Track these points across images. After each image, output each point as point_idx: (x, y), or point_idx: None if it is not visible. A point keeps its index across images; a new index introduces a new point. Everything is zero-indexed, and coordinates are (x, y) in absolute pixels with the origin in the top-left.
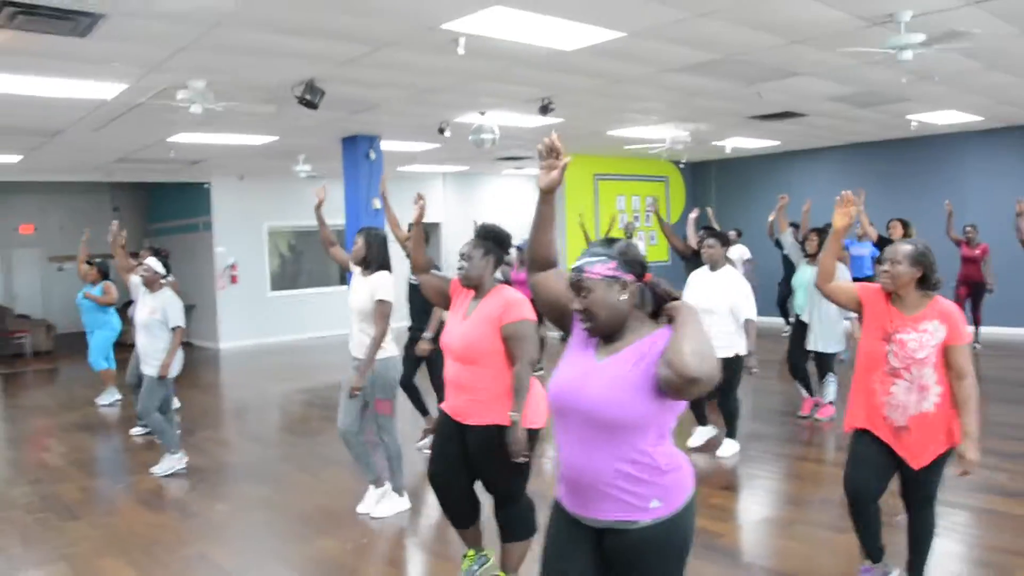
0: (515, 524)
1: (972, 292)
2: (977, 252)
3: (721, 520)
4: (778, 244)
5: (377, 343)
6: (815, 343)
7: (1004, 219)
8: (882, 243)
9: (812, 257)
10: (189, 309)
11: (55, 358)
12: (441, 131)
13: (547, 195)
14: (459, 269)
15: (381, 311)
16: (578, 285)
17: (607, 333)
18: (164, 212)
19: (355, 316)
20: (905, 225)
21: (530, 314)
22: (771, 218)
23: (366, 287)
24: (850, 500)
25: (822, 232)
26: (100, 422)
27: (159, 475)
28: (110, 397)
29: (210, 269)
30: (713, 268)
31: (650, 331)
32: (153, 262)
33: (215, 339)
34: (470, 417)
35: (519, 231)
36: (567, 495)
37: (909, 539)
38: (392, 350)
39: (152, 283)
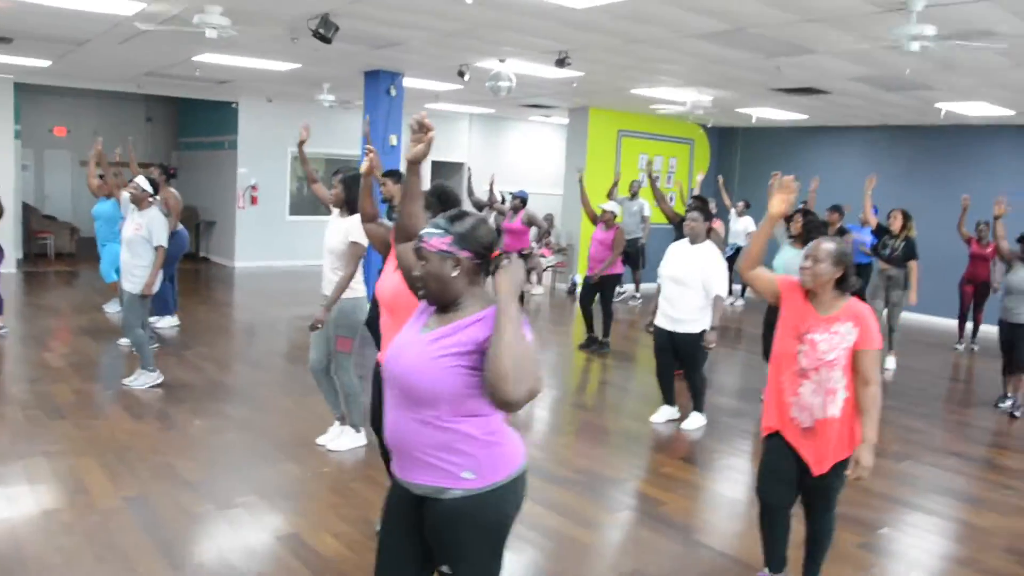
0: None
1: (977, 291)
2: (987, 251)
3: (668, 489)
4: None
5: (344, 283)
6: None
7: None
8: (880, 232)
9: (795, 239)
10: (210, 225)
11: (76, 261)
12: (461, 74)
13: (413, 166)
14: (396, 215)
15: (353, 252)
16: (419, 252)
17: (438, 303)
18: (193, 128)
19: (328, 255)
20: (906, 217)
21: None
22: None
23: (341, 228)
24: (761, 508)
25: (808, 214)
26: (106, 328)
27: (133, 388)
28: (117, 307)
29: (232, 188)
30: (693, 241)
31: (478, 309)
32: (141, 180)
33: (231, 257)
34: None
35: (542, 177)
36: (393, 458)
37: (806, 545)
38: (360, 290)
39: (140, 201)
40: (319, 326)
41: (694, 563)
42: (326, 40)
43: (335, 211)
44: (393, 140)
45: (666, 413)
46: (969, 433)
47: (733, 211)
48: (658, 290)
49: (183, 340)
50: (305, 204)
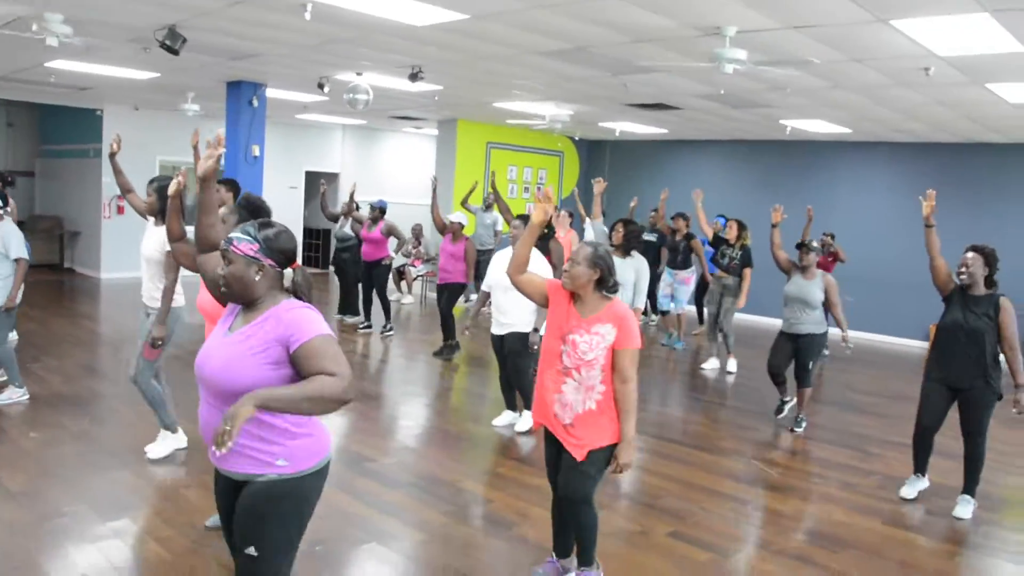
0: None
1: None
2: (829, 259)
3: (498, 488)
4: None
5: (169, 292)
6: None
7: (868, 230)
8: (717, 241)
9: (617, 248)
10: (74, 236)
11: None
12: (321, 86)
13: (204, 182)
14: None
15: (170, 261)
16: (224, 254)
17: (239, 303)
18: (56, 135)
19: (145, 265)
20: (741, 227)
21: None
22: (632, 204)
23: (157, 237)
24: (553, 498)
25: (629, 223)
26: None
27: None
28: None
29: (97, 197)
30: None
31: (272, 304)
32: None
33: (97, 268)
34: None
35: (414, 188)
36: (209, 449)
37: (575, 536)
38: (179, 300)
39: None
40: (160, 344)
41: (510, 555)
42: (173, 51)
43: (150, 219)
44: (256, 150)
45: (508, 417)
46: (821, 435)
47: (588, 220)
48: (481, 298)
49: (32, 353)
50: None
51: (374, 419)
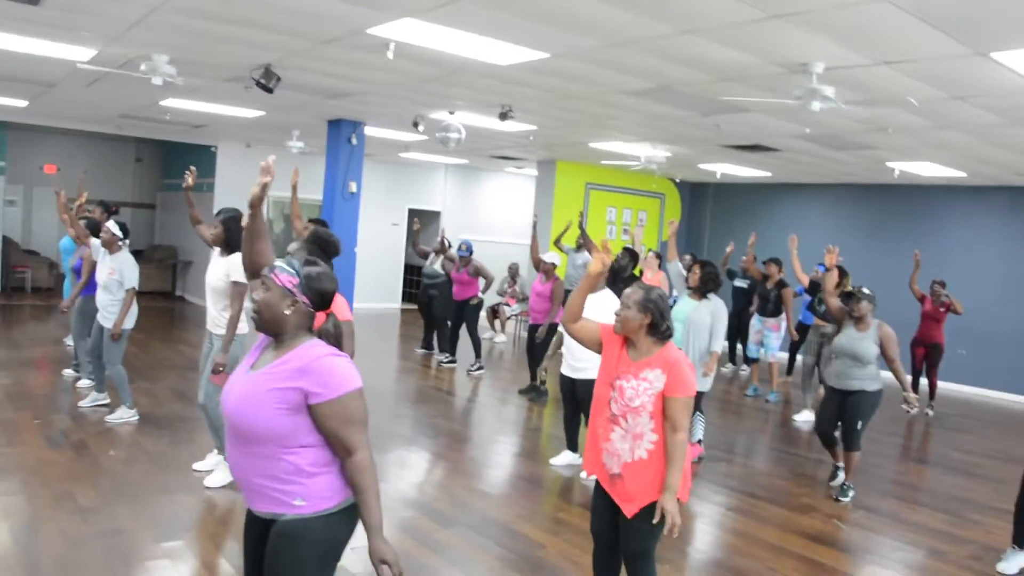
0: None
1: (929, 352)
2: (940, 309)
3: (554, 533)
4: (730, 274)
5: (234, 322)
6: None
7: (985, 279)
8: (813, 288)
9: (694, 290)
10: (187, 265)
11: (54, 295)
12: (415, 125)
13: (253, 208)
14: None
15: (237, 291)
16: (263, 279)
17: (266, 332)
18: (176, 169)
19: (210, 293)
20: (842, 273)
21: (345, 313)
22: (729, 250)
23: (222, 267)
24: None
25: (706, 265)
26: (57, 359)
27: (112, 423)
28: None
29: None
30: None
31: (297, 345)
32: (112, 226)
33: (204, 296)
34: None
35: (515, 227)
36: (240, 487)
37: None
38: (244, 328)
39: (111, 245)
40: (221, 370)
41: None
42: (267, 90)
43: (216, 249)
44: (352, 187)
45: (567, 458)
46: (885, 488)
47: (680, 263)
48: (558, 340)
49: (128, 376)
50: (279, 246)
51: (444, 456)
